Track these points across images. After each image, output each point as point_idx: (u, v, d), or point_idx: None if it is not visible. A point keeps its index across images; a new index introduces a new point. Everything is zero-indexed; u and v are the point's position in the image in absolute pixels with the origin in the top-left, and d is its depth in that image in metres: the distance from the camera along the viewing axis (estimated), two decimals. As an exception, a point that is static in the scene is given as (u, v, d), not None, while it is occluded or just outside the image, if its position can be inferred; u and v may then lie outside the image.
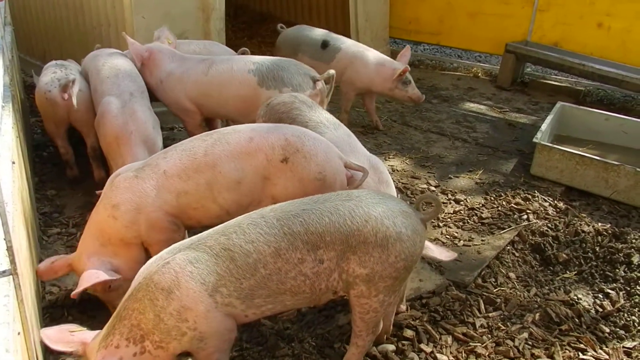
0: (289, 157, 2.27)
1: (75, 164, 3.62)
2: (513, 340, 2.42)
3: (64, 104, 3.30)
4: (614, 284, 2.87)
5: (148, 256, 2.46)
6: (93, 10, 4.73)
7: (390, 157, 4.25)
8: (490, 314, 2.59)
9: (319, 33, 4.64)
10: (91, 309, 2.51)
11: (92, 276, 2.16)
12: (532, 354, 2.36)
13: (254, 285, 1.79)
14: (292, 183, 2.28)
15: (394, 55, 7.00)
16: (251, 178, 2.28)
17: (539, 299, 2.73)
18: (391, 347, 2.36)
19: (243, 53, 3.92)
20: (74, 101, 3.24)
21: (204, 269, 1.76)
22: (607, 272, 2.95)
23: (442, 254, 2.32)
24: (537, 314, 2.59)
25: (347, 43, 4.52)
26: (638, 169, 3.51)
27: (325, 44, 4.50)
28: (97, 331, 1.85)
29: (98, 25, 4.72)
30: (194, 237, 1.86)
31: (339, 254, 1.84)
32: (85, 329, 1.90)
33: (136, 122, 2.98)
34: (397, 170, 4.00)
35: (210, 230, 1.88)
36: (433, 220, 3.34)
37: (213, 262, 1.77)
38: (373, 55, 4.43)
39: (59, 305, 2.54)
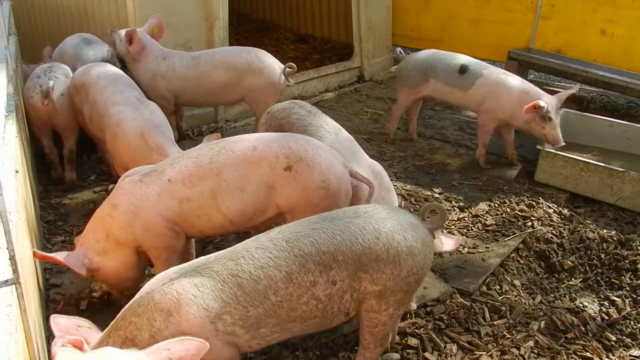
0: (293, 165, 2.27)
1: (59, 165, 3.71)
2: (519, 349, 2.41)
3: (45, 110, 3.42)
4: (620, 292, 2.85)
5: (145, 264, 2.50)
6: (97, 20, 4.77)
7: (394, 164, 4.24)
8: (495, 322, 2.58)
9: (455, 57, 4.27)
10: (97, 319, 2.50)
11: (58, 255, 2.28)
12: (538, 363, 2.34)
13: (262, 313, 1.72)
14: (296, 191, 2.28)
15: (396, 62, 7.05)
16: (255, 186, 2.28)
17: (544, 307, 2.71)
18: (396, 355, 2.35)
19: (290, 67, 4.05)
20: (55, 104, 3.38)
21: (208, 294, 1.68)
22: (613, 280, 2.93)
23: (449, 244, 2.33)
24: (543, 322, 2.58)
25: (489, 69, 4.13)
26: (643, 176, 3.49)
27: (463, 69, 4.13)
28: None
29: (103, 34, 4.74)
30: (201, 259, 1.81)
31: (351, 273, 1.79)
32: (94, 327, 1.86)
33: (158, 118, 3.01)
34: (401, 178, 3.99)
35: (217, 253, 1.83)
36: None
37: (219, 288, 1.69)
38: (517, 82, 4.03)
39: (64, 313, 2.52)
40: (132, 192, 2.29)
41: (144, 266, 2.53)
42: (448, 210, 3.57)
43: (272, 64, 4.05)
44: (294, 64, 4.11)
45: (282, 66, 4.06)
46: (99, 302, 2.63)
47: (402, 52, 4.74)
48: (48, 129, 3.58)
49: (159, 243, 2.32)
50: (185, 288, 1.67)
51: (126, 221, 2.29)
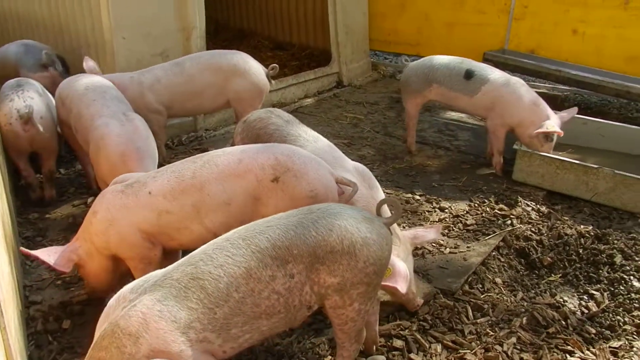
0: (280, 176, 2.27)
1: (38, 186, 3.63)
2: (502, 346, 2.44)
3: (27, 135, 3.32)
4: (598, 285, 2.90)
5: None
6: (73, 33, 4.74)
7: (375, 167, 4.27)
8: (478, 320, 2.61)
9: (458, 61, 4.18)
10: (77, 335, 2.48)
11: (44, 252, 2.38)
12: (521, 358, 2.38)
13: (228, 313, 1.72)
14: (284, 202, 2.28)
15: (374, 67, 7.12)
16: (241, 199, 2.28)
17: (525, 303, 2.76)
18: (381, 358, 2.36)
19: (272, 69, 4.09)
20: (40, 128, 3.31)
21: (173, 306, 1.65)
22: (591, 274, 2.99)
23: (431, 233, 2.55)
24: (525, 318, 2.62)
25: (495, 74, 4.06)
26: (616, 172, 3.57)
27: (469, 74, 4.04)
28: None
29: (78, 47, 4.72)
30: (158, 273, 1.77)
31: (308, 266, 1.83)
32: None
33: (141, 138, 2.95)
34: (382, 181, 4.02)
35: (174, 263, 1.80)
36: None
37: (183, 295, 1.67)
38: (527, 91, 3.97)
39: (44, 331, 2.50)
40: (112, 202, 2.31)
41: (123, 273, 2.53)
42: (429, 211, 3.61)
43: (257, 66, 4.08)
44: (276, 65, 4.14)
45: (265, 68, 4.10)
46: (79, 318, 2.60)
47: (407, 59, 4.69)
48: (27, 152, 3.48)
49: (133, 254, 2.34)
50: (149, 306, 1.63)
51: (102, 229, 2.32)
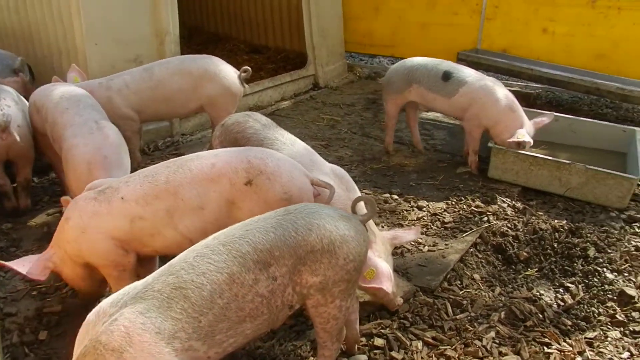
0: (253, 179, 2.27)
1: (13, 195, 3.55)
2: (481, 340, 2.47)
3: (3, 144, 3.26)
4: (573, 278, 2.97)
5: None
6: (43, 39, 4.66)
7: (353, 168, 4.30)
8: (457, 316, 2.64)
9: (436, 62, 4.20)
10: (54, 346, 2.44)
11: (18, 262, 2.36)
12: (500, 352, 2.42)
13: (212, 320, 1.70)
14: (258, 205, 2.27)
15: (350, 68, 7.16)
16: (215, 204, 2.27)
17: (503, 298, 2.80)
18: (363, 357, 2.37)
19: (245, 72, 4.07)
20: (17, 138, 3.25)
21: (156, 317, 1.61)
22: (566, 267, 3.05)
23: (410, 234, 2.61)
24: (503, 313, 2.66)
25: (473, 75, 4.08)
26: (588, 167, 3.66)
27: (447, 76, 4.07)
28: None
29: (49, 54, 4.65)
30: (137, 284, 1.72)
31: (290, 268, 1.83)
32: None
33: (110, 146, 2.89)
34: (360, 181, 4.05)
35: (154, 273, 1.76)
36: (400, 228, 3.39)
37: (166, 306, 1.63)
38: (504, 94, 4.00)
39: (20, 344, 2.45)
40: (84, 209, 2.29)
41: (102, 279, 2.50)
42: (407, 210, 3.65)
43: (228, 69, 4.06)
44: (249, 68, 4.12)
45: (237, 71, 4.09)
46: (56, 329, 2.55)
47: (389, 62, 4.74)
48: (2, 160, 3.41)
49: (106, 261, 2.31)
50: (132, 319, 1.58)
51: (74, 237, 2.29)
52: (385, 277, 2.29)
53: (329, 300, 1.93)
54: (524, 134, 3.83)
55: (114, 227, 2.26)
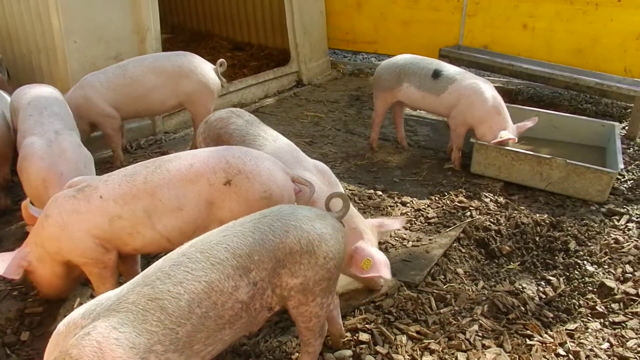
0: (232, 179, 2.26)
1: None
2: (464, 334, 2.50)
3: None
4: (555, 271, 3.01)
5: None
6: (21, 37, 4.59)
7: (337, 165, 4.31)
8: (441, 310, 2.67)
9: (428, 61, 4.24)
10: (36, 347, 2.41)
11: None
12: (483, 345, 2.45)
13: (190, 330, 1.64)
14: (238, 205, 2.27)
15: (333, 65, 7.16)
16: (194, 204, 2.26)
17: (486, 292, 2.83)
18: (348, 352, 2.39)
19: (221, 65, 4.08)
20: None
21: (131, 332, 1.53)
22: (548, 260, 3.10)
23: (396, 223, 2.67)
24: (486, 306, 2.69)
25: (461, 74, 4.12)
26: (568, 161, 3.71)
27: (437, 74, 4.10)
28: None
29: (28, 52, 4.58)
30: (111, 295, 1.64)
31: (270, 272, 1.80)
32: None
33: (67, 162, 2.83)
34: (344, 178, 4.06)
35: (128, 284, 1.68)
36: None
37: (140, 319, 1.56)
38: (491, 94, 4.00)
39: (1, 345, 2.42)
40: (63, 206, 2.27)
41: (77, 278, 2.50)
42: (391, 206, 3.67)
43: (203, 65, 4.04)
44: (224, 60, 4.12)
45: (213, 66, 4.07)
46: (38, 330, 2.52)
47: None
48: None
49: (86, 259, 2.30)
50: (105, 334, 1.51)
51: (53, 234, 2.28)
52: (382, 265, 2.31)
53: (310, 299, 1.92)
54: (507, 134, 3.86)
55: (94, 226, 2.25)
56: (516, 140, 3.93)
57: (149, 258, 2.98)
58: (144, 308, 1.58)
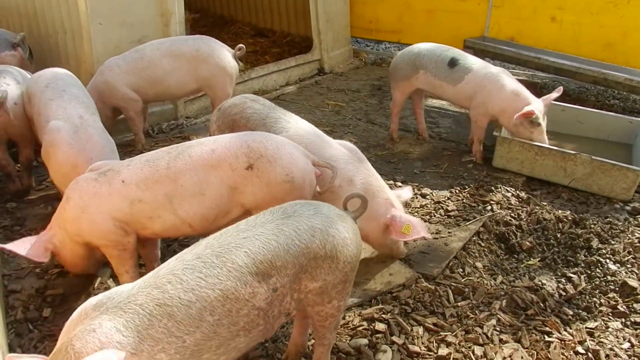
0: (254, 163, 2.27)
1: (17, 177, 3.54)
2: (482, 328, 2.48)
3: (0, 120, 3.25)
4: (576, 268, 2.97)
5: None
6: (48, 18, 4.63)
7: (356, 155, 4.28)
8: (459, 304, 2.65)
9: (444, 49, 4.18)
10: (58, 323, 2.46)
11: (18, 244, 2.40)
12: (501, 340, 2.42)
13: (200, 338, 1.54)
14: (260, 189, 2.29)
15: (356, 54, 7.11)
16: (217, 189, 2.28)
17: (505, 287, 2.81)
18: (364, 341, 2.39)
19: (239, 50, 4.09)
20: (11, 115, 3.24)
21: (134, 338, 1.47)
22: (569, 257, 3.05)
23: (408, 192, 3.09)
24: (504, 301, 2.67)
25: (478, 64, 4.06)
26: (594, 157, 3.64)
27: (453, 62, 4.05)
28: None
29: (54, 33, 4.62)
30: (124, 290, 1.58)
31: (292, 278, 1.71)
32: None
33: (94, 148, 2.82)
34: (364, 168, 4.04)
35: (139, 281, 1.61)
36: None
37: (146, 324, 1.49)
38: (509, 80, 3.94)
39: (24, 320, 2.47)
40: (85, 189, 2.30)
41: (100, 257, 2.54)
42: (410, 198, 3.63)
43: (221, 49, 4.04)
44: (243, 46, 4.12)
45: (232, 50, 4.06)
46: (60, 307, 2.57)
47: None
48: (3, 139, 3.40)
49: (106, 241, 2.33)
50: (109, 335, 1.45)
51: (74, 217, 2.31)
52: (421, 227, 2.63)
53: (326, 301, 1.88)
54: (533, 108, 3.73)
55: (114, 208, 2.27)
56: (541, 113, 3.79)
57: (169, 241, 3.01)
58: (150, 313, 1.51)
